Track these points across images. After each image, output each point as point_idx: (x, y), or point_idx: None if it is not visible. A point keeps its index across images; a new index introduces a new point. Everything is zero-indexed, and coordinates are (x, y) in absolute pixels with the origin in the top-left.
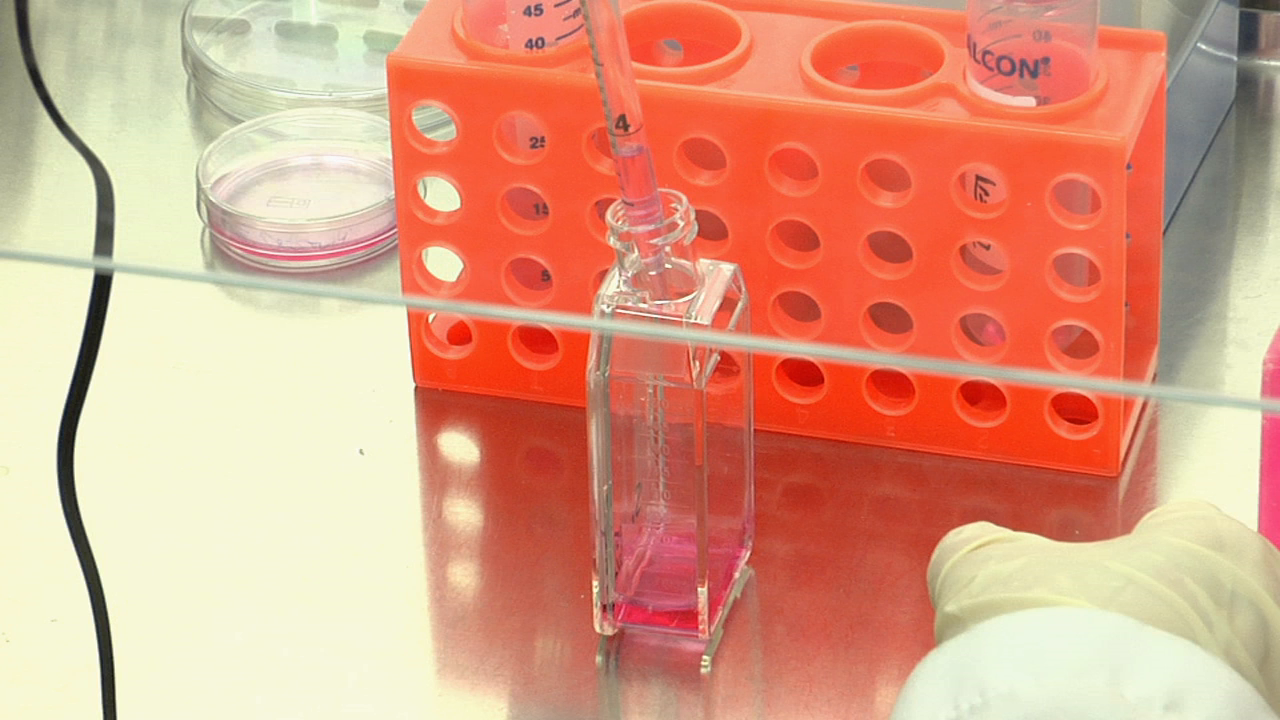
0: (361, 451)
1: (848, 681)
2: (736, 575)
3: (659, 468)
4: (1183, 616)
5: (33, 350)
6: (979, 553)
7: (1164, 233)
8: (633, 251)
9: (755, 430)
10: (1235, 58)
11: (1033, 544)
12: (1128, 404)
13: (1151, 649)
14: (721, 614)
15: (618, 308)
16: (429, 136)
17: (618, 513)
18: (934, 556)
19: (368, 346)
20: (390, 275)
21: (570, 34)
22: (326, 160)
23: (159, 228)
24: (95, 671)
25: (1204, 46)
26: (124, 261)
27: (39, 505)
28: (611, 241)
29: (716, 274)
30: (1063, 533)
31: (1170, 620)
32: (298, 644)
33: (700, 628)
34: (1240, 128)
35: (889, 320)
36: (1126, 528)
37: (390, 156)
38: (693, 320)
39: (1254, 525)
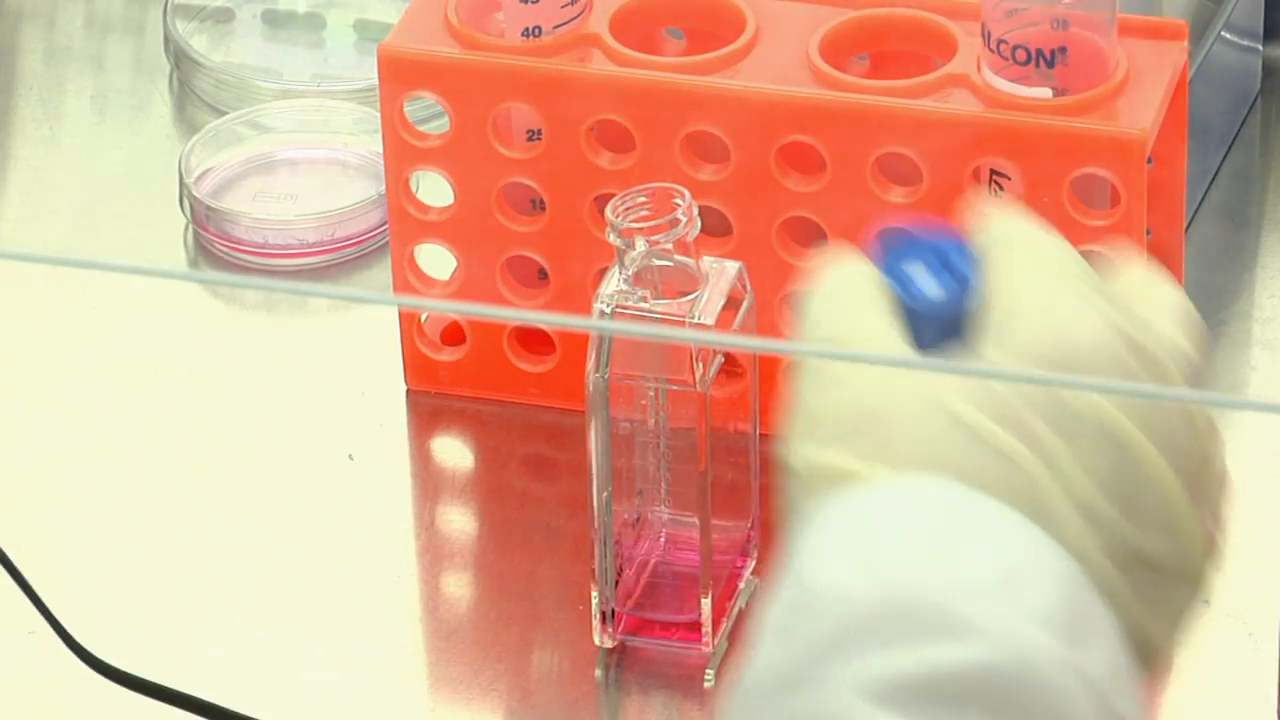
0: (351, 457)
1: None
2: (741, 585)
3: (661, 474)
4: (1022, 468)
5: (6, 351)
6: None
7: (1186, 230)
8: (634, 248)
9: (761, 434)
10: (1260, 47)
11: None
12: None
13: (979, 528)
14: (726, 626)
15: (617, 307)
16: (421, 129)
17: (618, 521)
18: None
19: (357, 348)
20: (381, 273)
21: (568, 22)
22: (314, 154)
23: (140, 223)
24: (75, 685)
25: (1228, 35)
26: (103, 259)
27: (12, 512)
28: (611, 238)
29: (721, 272)
30: None
31: (1005, 477)
32: (284, 657)
33: (704, 640)
34: (1265, 120)
35: None
36: None
37: (381, 150)
38: (696, 320)
39: None
